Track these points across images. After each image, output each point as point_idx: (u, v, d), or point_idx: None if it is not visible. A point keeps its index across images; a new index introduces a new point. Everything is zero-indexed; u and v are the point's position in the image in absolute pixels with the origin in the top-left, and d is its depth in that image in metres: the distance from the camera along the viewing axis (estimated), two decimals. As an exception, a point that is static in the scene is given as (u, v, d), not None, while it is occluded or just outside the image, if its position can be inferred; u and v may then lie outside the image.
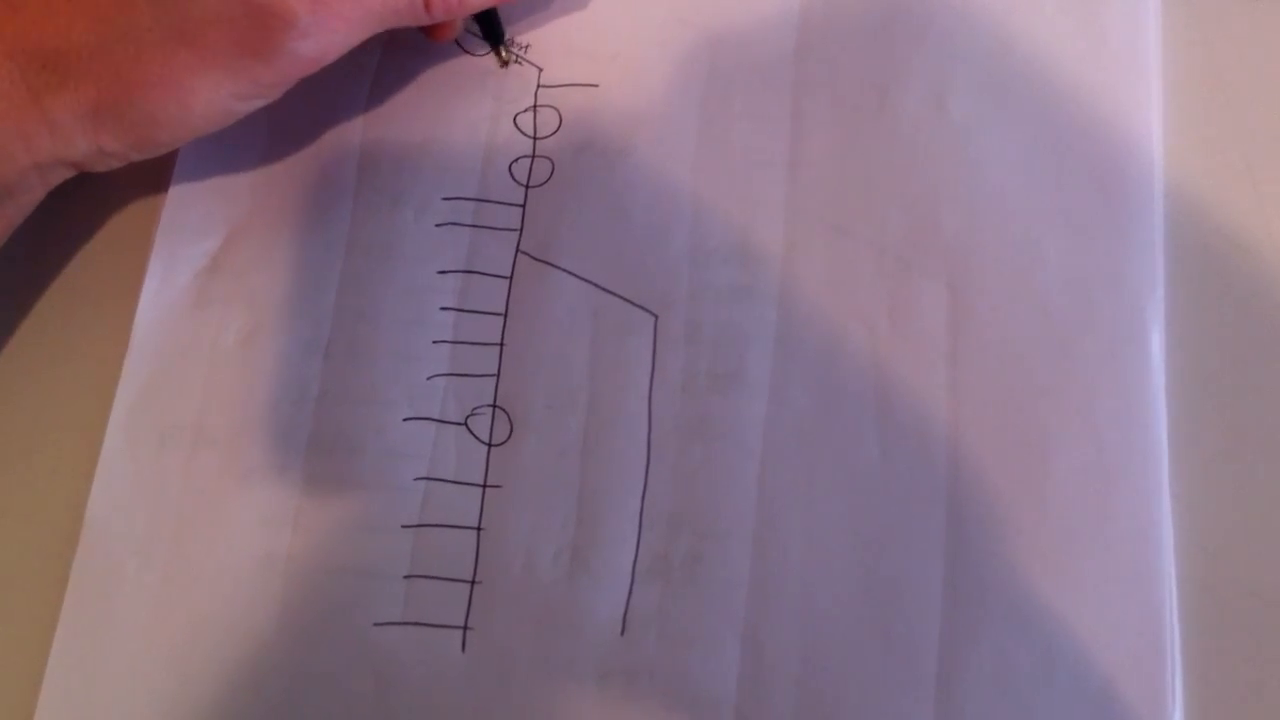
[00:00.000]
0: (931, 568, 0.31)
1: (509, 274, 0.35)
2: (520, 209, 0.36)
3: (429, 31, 0.36)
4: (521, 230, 0.35)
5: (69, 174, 0.33)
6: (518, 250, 0.35)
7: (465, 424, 0.34)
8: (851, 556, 0.32)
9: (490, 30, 0.37)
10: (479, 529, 0.33)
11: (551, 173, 0.36)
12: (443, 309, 0.35)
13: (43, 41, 0.30)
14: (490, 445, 0.33)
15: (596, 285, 0.35)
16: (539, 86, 0.37)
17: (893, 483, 0.32)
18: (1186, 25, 0.36)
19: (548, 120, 0.36)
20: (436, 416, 0.34)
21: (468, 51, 0.37)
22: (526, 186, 0.36)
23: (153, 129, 0.31)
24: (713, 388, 0.33)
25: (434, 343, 0.34)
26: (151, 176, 0.36)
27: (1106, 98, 0.35)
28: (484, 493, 0.33)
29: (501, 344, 0.34)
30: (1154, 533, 0.31)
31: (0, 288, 0.36)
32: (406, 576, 0.32)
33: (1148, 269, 0.33)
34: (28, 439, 0.35)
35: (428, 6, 0.33)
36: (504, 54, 0.37)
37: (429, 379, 0.34)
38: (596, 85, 0.37)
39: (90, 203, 0.37)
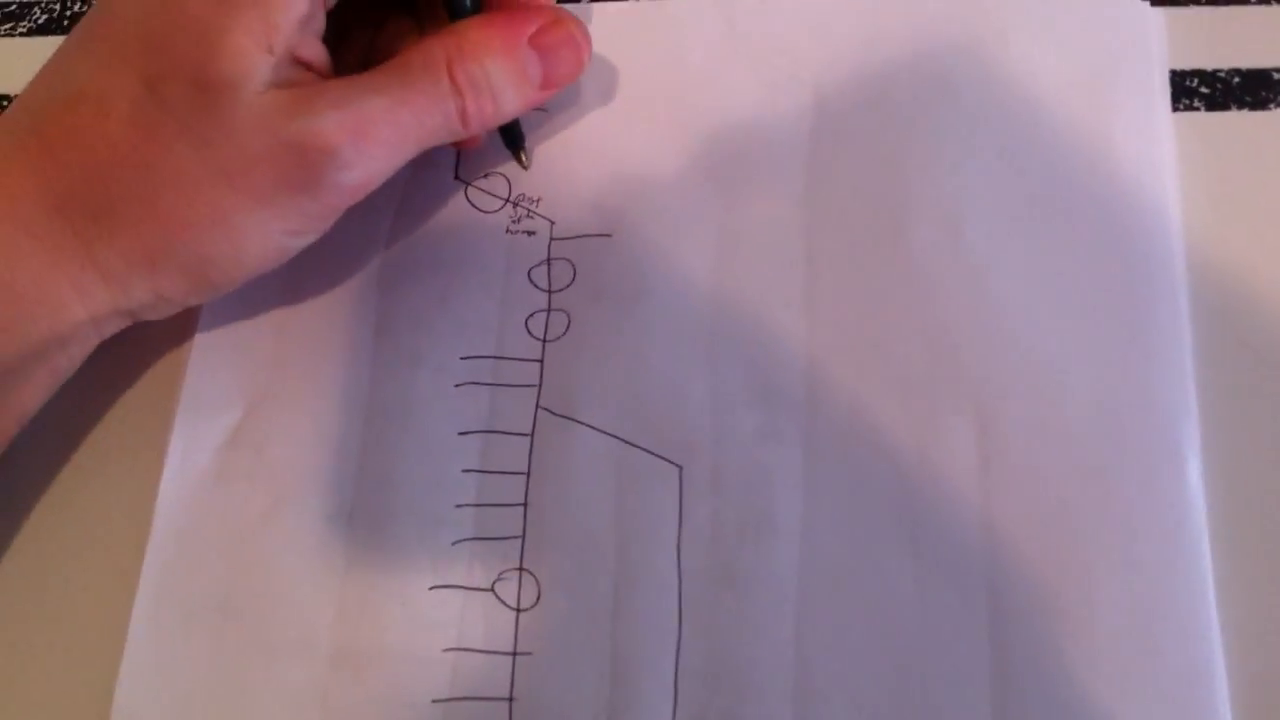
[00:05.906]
0: (980, 708, 0.30)
1: (530, 431, 0.35)
2: (538, 364, 0.35)
3: (459, 141, 0.36)
4: (541, 385, 0.35)
5: (124, 324, 0.33)
6: (538, 406, 0.35)
7: (493, 589, 0.33)
8: (896, 703, 0.31)
9: (511, 137, 0.37)
10: (510, 700, 0.32)
11: (568, 326, 0.36)
12: (464, 471, 0.34)
13: (91, 193, 0.30)
14: (519, 610, 0.33)
15: (618, 438, 0.34)
16: (551, 239, 0.37)
17: (933, 624, 0.31)
18: (1199, 138, 0.36)
19: (562, 273, 0.36)
20: (463, 584, 0.33)
21: (479, 209, 0.37)
22: (544, 341, 0.36)
23: (208, 270, 0.32)
24: (743, 536, 0.33)
25: (457, 506, 0.34)
26: (170, 350, 0.37)
27: (1124, 217, 0.35)
28: (514, 661, 0.32)
29: (525, 504, 0.34)
30: (1206, 668, 0.30)
31: (19, 468, 0.36)
32: (439, 754, 0.32)
33: (1179, 394, 0.33)
34: (53, 625, 0.34)
35: (464, 122, 0.33)
36: (524, 159, 0.38)
37: (454, 544, 0.34)
38: (609, 235, 0.37)
39: (107, 381, 0.37)
